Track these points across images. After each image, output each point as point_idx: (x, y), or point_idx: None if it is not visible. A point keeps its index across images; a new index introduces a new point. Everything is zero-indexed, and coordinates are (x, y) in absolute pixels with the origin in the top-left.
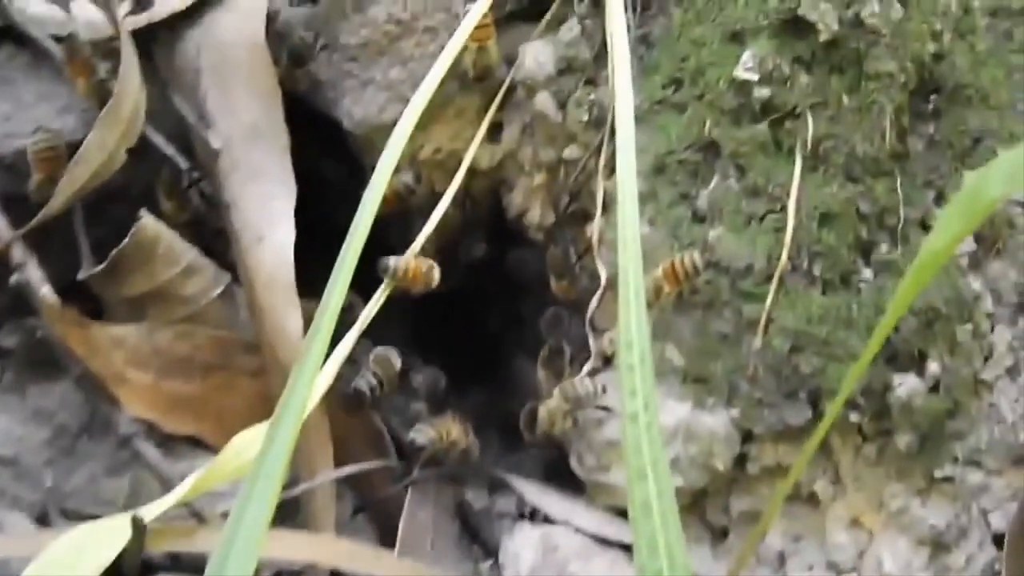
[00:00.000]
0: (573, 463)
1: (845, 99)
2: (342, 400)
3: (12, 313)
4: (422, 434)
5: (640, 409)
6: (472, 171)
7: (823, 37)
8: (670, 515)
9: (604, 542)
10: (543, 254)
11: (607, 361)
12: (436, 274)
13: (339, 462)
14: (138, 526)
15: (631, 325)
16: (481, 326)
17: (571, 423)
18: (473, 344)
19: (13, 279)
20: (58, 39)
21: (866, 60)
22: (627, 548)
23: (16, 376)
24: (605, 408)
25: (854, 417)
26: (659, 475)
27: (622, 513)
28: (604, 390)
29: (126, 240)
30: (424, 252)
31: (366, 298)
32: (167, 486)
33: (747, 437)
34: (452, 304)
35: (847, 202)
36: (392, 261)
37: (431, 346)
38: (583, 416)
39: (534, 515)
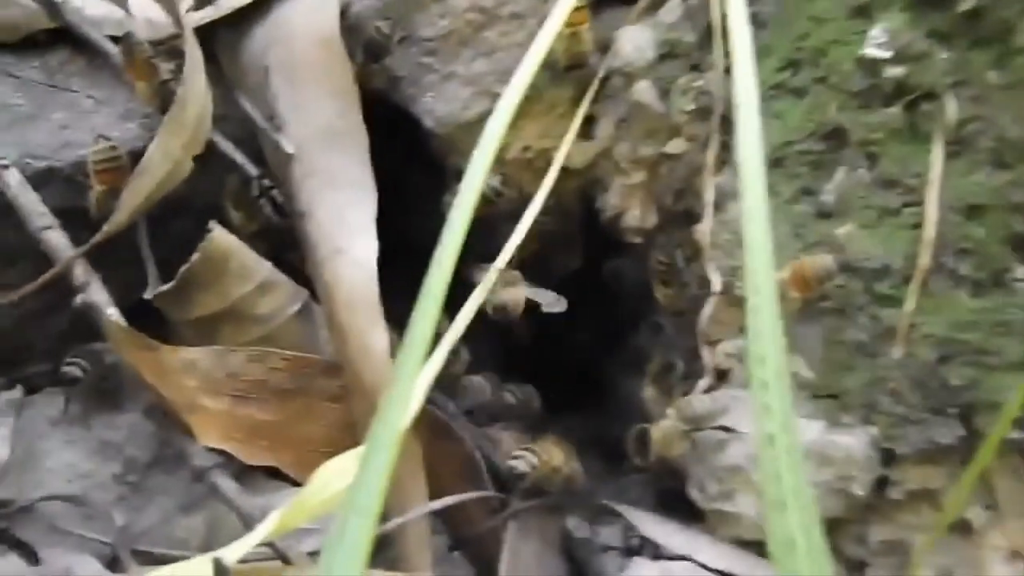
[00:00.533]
0: (691, 490)
1: (991, 76)
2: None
3: (75, 338)
4: (523, 461)
5: (777, 431)
6: (563, 171)
7: (963, 7)
8: (817, 552)
9: None
10: (642, 261)
11: (721, 376)
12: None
13: (432, 494)
14: (221, 570)
15: (763, 336)
16: (573, 341)
17: (688, 446)
18: (565, 361)
19: (77, 300)
20: (116, 40)
21: (1016, 31)
22: None
23: (81, 406)
24: (726, 428)
25: (1015, 435)
26: (802, 506)
27: (748, 546)
28: (725, 409)
29: (195, 255)
30: (511, 263)
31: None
32: (247, 523)
33: (888, 458)
34: (542, 318)
35: (996, 192)
36: (507, 301)
37: (520, 362)
38: (701, 438)
39: (646, 548)
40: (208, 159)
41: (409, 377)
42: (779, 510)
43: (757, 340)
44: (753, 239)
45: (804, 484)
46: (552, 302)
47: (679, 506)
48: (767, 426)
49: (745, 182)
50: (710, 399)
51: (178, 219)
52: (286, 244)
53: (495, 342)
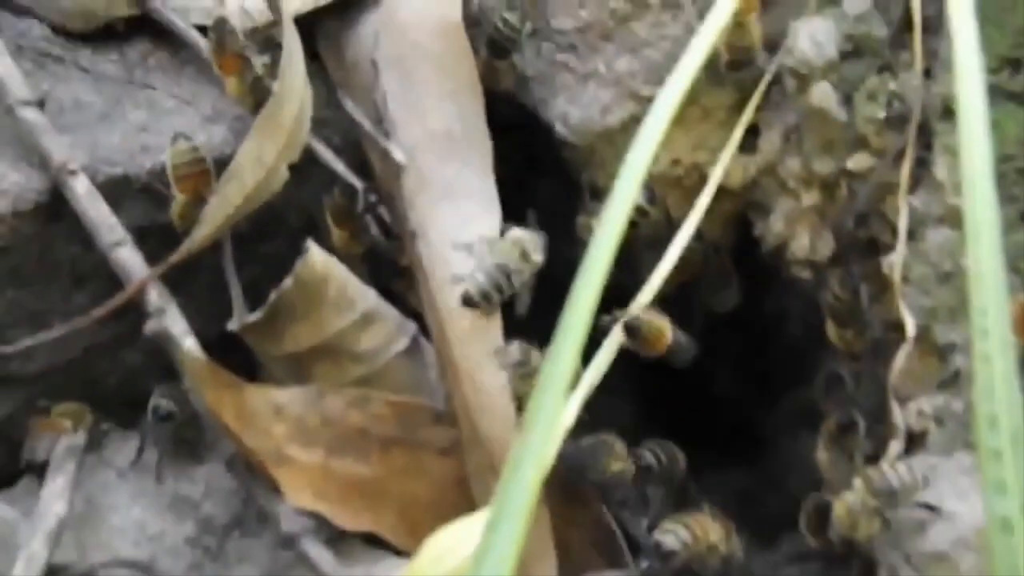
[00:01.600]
0: None
1: None
2: None
3: (149, 376)
4: (673, 535)
5: (1015, 513)
6: (718, 190)
7: None
8: None
9: None
10: (811, 301)
11: (915, 440)
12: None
13: (561, 571)
14: None
15: (996, 393)
16: (724, 395)
17: (880, 525)
18: (713, 418)
19: (149, 327)
20: (204, 30)
21: None
22: None
23: (156, 456)
24: (929, 507)
25: None
26: None
27: None
28: (927, 481)
29: (288, 280)
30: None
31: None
32: None
33: None
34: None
35: None
36: (640, 321)
37: (659, 416)
38: (896, 517)
39: None
40: (306, 169)
41: (547, 425)
42: None
43: (987, 397)
44: (982, 267)
45: None
46: (686, 345)
47: None
48: (1001, 508)
49: (970, 188)
50: (907, 469)
51: (269, 239)
52: (394, 270)
53: (627, 394)
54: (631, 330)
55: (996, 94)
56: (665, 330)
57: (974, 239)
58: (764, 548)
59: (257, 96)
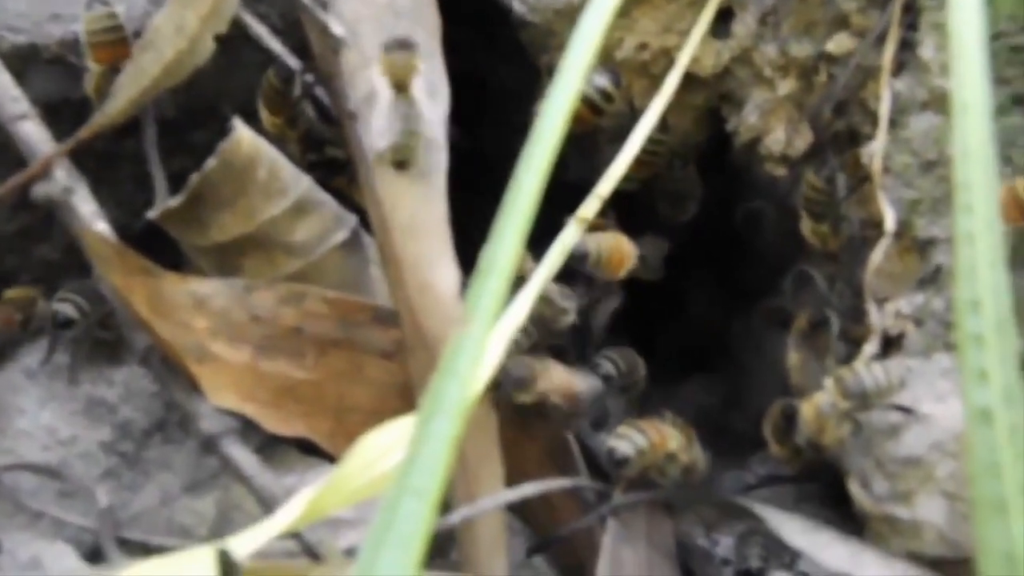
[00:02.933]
0: (853, 488)
1: None
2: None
3: (67, 272)
4: (626, 442)
5: (996, 404)
6: (686, 79)
7: None
8: None
9: None
10: (786, 202)
11: (892, 343)
12: (635, 254)
13: (510, 481)
14: (227, 564)
15: (979, 275)
16: (691, 301)
17: (850, 429)
18: (680, 324)
19: (37, 191)
20: None
21: None
22: None
23: (69, 357)
24: (904, 409)
25: None
26: None
27: (931, 566)
28: (903, 382)
29: (211, 160)
30: (615, 197)
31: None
32: (269, 508)
33: None
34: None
35: None
36: (588, 245)
37: (622, 323)
38: (868, 420)
39: (792, 563)
40: (239, 50)
41: (483, 324)
42: (997, 514)
43: (969, 280)
44: (968, 141)
45: None
46: (656, 247)
47: (826, 511)
48: (981, 397)
49: (959, 61)
50: (882, 370)
51: (200, 127)
52: (333, 168)
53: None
54: (582, 258)
55: None
56: (624, 251)
57: (962, 111)
58: (735, 462)
59: None
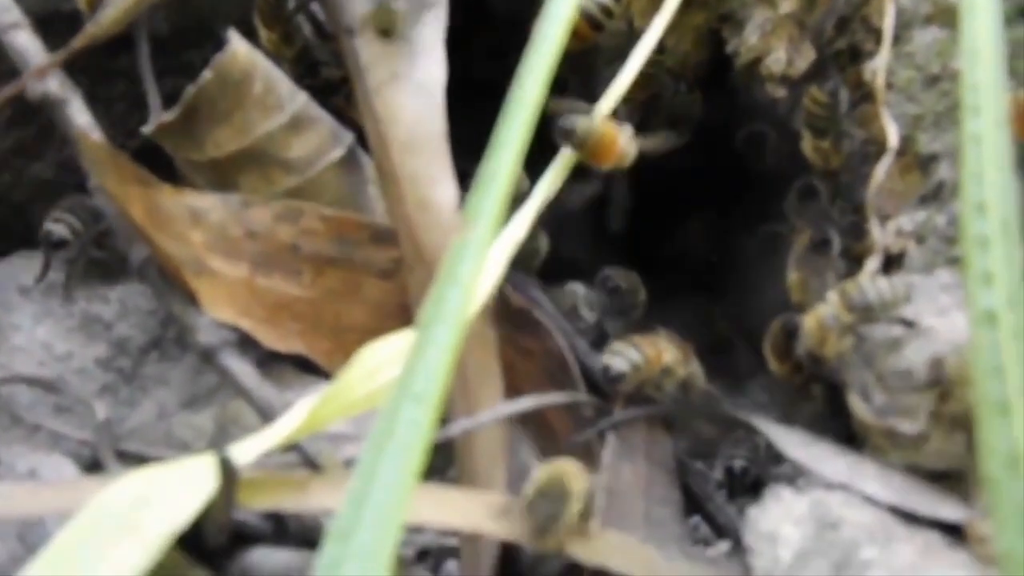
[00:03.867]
0: (853, 401)
1: None
2: None
3: (62, 190)
4: (621, 358)
5: (1000, 307)
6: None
7: None
8: None
9: (910, 518)
10: (787, 124)
11: (893, 261)
12: (633, 147)
13: (509, 396)
14: (228, 472)
15: (985, 176)
16: (692, 224)
17: (851, 343)
18: (680, 247)
19: (31, 90)
20: None
21: None
22: (944, 528)
23: (64, 273)
24: (907, 322)
25: None
26: None
27: (931, 478)
28: (908, 295)
29: (206, 72)
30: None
31: (533, 174)
32: (268, 420)
33: None
34: (651, 191)
35: None
36: (575, 122)
37: (623, 244)
38: (870, 333)
39: (792, 477)
40: None
41: (484, 232)
42: (1001, 415)
43: (975, 181)
44: (976, 40)
45: None
46: (661, 143)
47: (827, 427)
48: (986, 300)
49: None
50: (887, 283)
51: (194, 46)
52: (331, 86)
53: (588, 222)
54: (566, 133)
55: None
56: (615, 136)
57: (970, 12)
58: (737, 382)
59: None
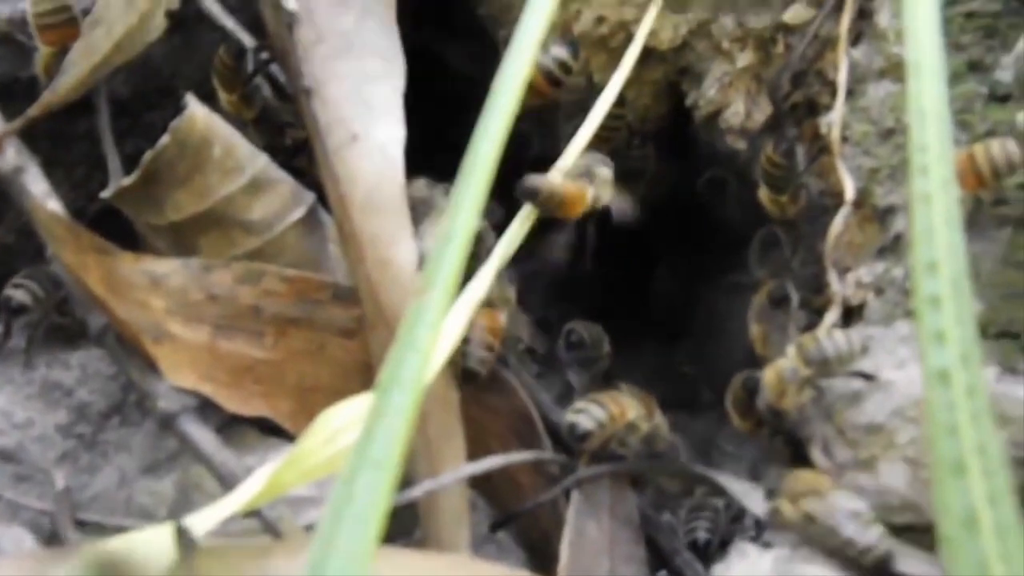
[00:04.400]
0: (815, 455)
1: None
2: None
3: (22, 256)
4: (586, 415)
5: (955, 364)
6: (645, 53)
7: None
8: (1013, 538)
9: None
10: (746, 172)
11: (852, 313)
12: (607, 192)
13: (471, 459)
14: (186, 541)
15: (936, 235)
16: (655, 276)
17: (811, 396)
18: (644, 297)
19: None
20: None
21: None
22: None
23: (24, 341)
24: (866, 375)
25: None
26: (992, 471)
27: (894, 532)
28: (865, 348)
29: (165, 137)
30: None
31: (497, 227)
32: (228, 486)
33: None
34: (616, 241)
35: None
36: (537, 181)
37: (588, 295)
38: (830, 387)
39: (758, 532)
40: (195, 29)
41: (441, 295)
42: (956, 475)
43: (925, 240)
44: (923, 102)
45: (993, 436)
46: (625, 209)
47: None
48: (939, 359)
49: (912, 22)
50: (844, 337)
51: (155, 108)
52: (295, 146)
53: (553, 270)
54: (530, 193)
55: None
56: (581, 192)
57: (916, 73)
58: (702, 434)
59: None
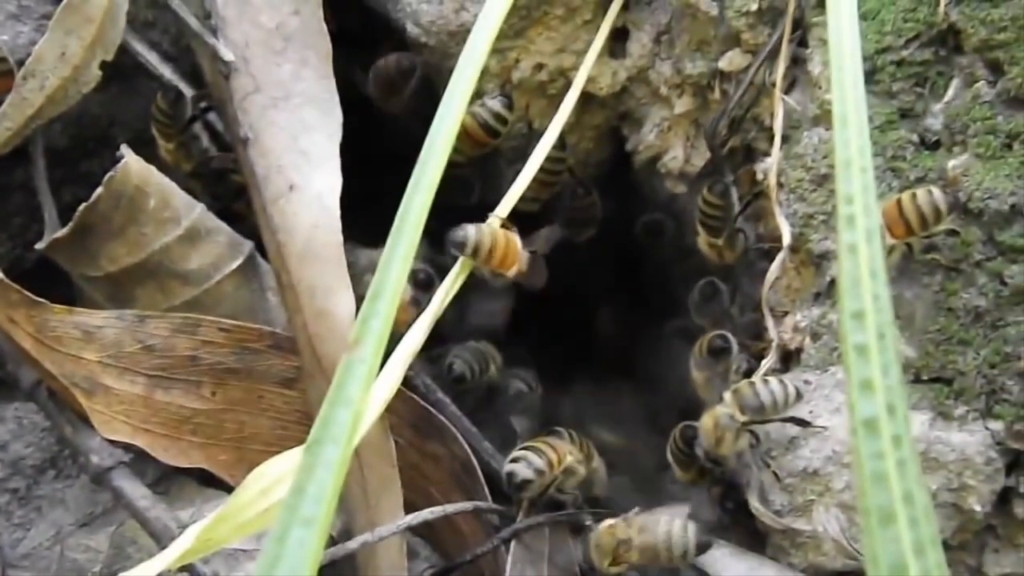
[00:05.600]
0: (752, 502)
1: None
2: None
3: None
4: (524, 464)
5: (881, 413)
6: (585, 99)
7: None
8: None
9: None
10: (685, 216)
11: (790, 357)
12: (525, 259)
13: (409, 506)
14: None
15: (863, 286)
16: (597, 319)
17: (748, 443)
18: (582, 339)
19: None
20: None
21: None
22: None
23: None
24: (801, 422)
25: None
26: (917, 519)
27: None
28: (799, 395)
29: (99, 190)
30: (516, 218)
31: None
32: (162, 542)
33: (1014, 463)
34: (555, 287)
35: None
36: (468, 233)
37: (525, 340)
38: (766, 433)
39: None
40: (132, 78)
41: (373, 348)
42: (885, 524)
43: (852, 291)
44: (849, 152)
45: (920, 486)
46: (546, 238)
47: (734, 523)
48: (866, 408)
49: (837, 72)
50: (779, 384)
51: (93, 156)
52: (237, 192)
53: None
54: (459, 244)
55: None
56: (513, 241)
57: (841, 124)
58: (645, 479)
59: None
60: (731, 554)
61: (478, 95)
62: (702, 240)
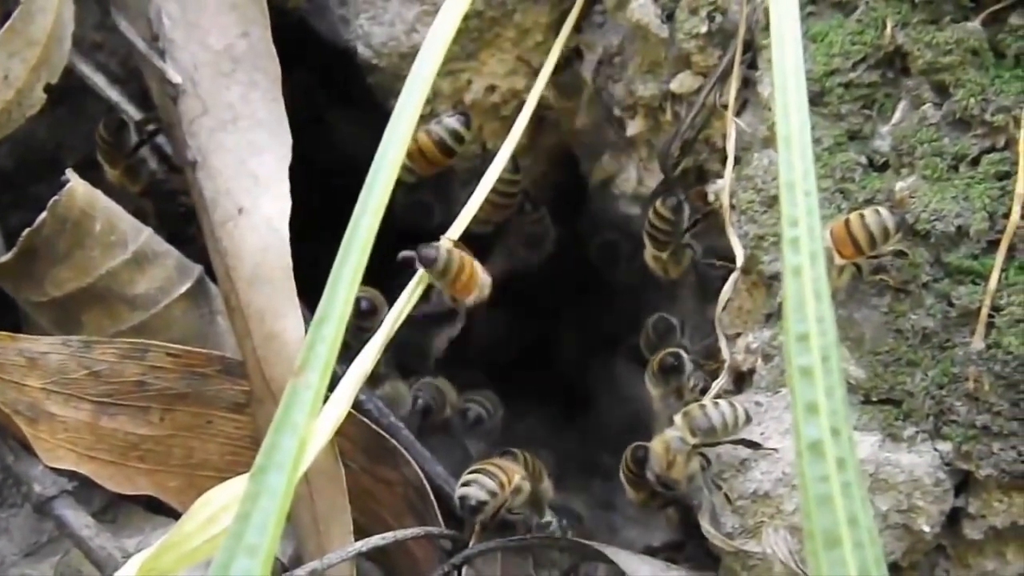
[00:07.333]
0: (703, 524)
1: None
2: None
3: None
4: (476, 487)
5: (826, 436)
6: (538, 119)
7: None
8: None
9: None
10: (638, 236)
11: (742, 378)
12: (487, 285)
13: (362, 531)
14: None
15: (807, 308)
16: (550, 335)
17: (699, 466)
18: (539, 360)
19: None
20: None
21: None
22: None
23: None
24: (751, 444)
25: None
26: (862, 542)
27: None
28: (749, 418)
29: (44, 215)
30: (468, 239)
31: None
32: (107, 571)
33: (964, 484)
34: (509, 307)
35: None
36: (440, 250)
37: (479, 361)
38: (717, 456)
39: None
40: (80, 100)
41: (319, 373)
42: (830, 547)
43: (797, 313)
44: (793, 174)
45: (865, 508)
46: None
47: (687, 546)
48: (811, 430)
49: (782, 91)
50: (728, 405)
51: (41, 180)
52: (177, 210)
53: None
54: (429, 260)
55: (820, 3)
56: (475, 271)
57: (785, 146)
58: (598, 503)
59: (5, 8)
60: None
61: (432, 113)
62: (648, 253)
